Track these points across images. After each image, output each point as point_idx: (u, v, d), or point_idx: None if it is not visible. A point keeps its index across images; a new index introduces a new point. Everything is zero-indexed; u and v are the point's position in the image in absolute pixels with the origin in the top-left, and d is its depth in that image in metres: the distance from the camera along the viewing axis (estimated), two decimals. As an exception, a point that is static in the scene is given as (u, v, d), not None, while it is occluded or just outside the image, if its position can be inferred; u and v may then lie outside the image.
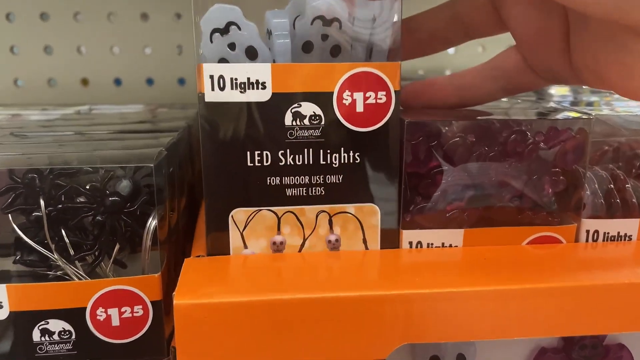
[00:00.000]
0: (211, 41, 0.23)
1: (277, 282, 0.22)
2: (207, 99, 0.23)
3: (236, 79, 0.23)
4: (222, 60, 0.23)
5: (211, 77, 0.23)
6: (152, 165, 0.23)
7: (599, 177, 0.27)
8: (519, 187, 0.25)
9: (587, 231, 0.26)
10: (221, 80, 0.23)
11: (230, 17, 0.23)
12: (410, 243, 0.25)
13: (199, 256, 0.24)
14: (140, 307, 0.23)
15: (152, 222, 0.23)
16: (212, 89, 0.23)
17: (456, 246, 0.25)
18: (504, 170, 0.25)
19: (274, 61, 0.23)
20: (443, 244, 0.25)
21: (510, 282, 0.22)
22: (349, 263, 0.24)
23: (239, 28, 0.23)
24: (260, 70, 0.23)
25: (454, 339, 0.23)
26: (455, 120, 0.25)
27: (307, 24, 0.23)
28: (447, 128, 0.25)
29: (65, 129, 0.31)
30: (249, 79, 0.23)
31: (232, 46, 0.23)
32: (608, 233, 0.26)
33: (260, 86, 0.23)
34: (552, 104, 0.32)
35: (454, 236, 0.25)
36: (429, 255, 0.25)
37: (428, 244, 0.25)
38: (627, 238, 0.26)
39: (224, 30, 0.23)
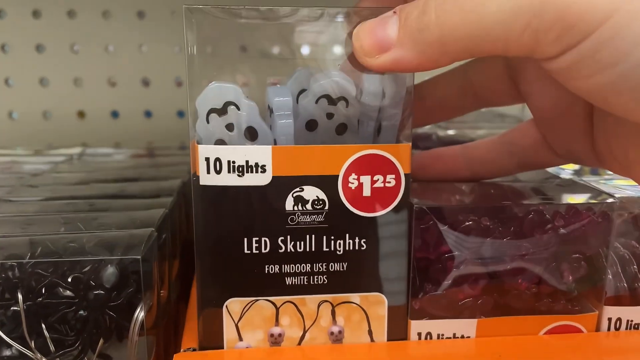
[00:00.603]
0: (207, 122, 0.21)
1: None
2: (202, 182, 0.21)
3: (234, 162, 0.21)
4: (219, 141, 0.21)
5: (207, 159, 0.21)
6: (139, 257, 0.21)
7: (620, 258, 0.25)
8: (536, 273, 0.24)
9: (610, 319, 0.24)
10: (218, 162, 0.21)
11: (229, 96, 0.21)
12: (420, 334, 0.23)
13: (189, 349, 0.22)
14: (126, 405, 0.22)
15: (139, 314, 0.22)
16: (208, 172, 0.21)
17: (469, 337, 0.24)
18: (520, 255, 0.23)
19: (274, 142, 0.22)
20: (454, 334, 0.24)
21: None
22: (353, 358, 0.22)
23: (238, 108, 0.21)
24: (260, 153, 0.21)
25: None
26: (468, 204, 0.23)
27: (311, 102, 0.22)
28: (459, 212, 0.23)
29: (52, 189, 0.30)
30: (247, 161, 0.21)
31: (230, 127, 0.21)
32: (632, 321, 0.24)
33: (259, 169, 0.21)
34: (567, 175, 0.30)
35: (467, 326, 0.23)
36: (439, 348, 0.23)
37: (438, 334, 0.23)
38: (652, 326, 0.24)
39: (222, 111, 0.21)
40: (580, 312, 0.24)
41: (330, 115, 0.22)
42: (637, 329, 0.24)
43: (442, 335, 0.23)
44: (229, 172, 0.21)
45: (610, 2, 0.14)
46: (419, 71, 0.18)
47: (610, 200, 0.23)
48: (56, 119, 0.52)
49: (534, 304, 0.24)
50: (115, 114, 0.54)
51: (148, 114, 0.54)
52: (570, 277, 0.24)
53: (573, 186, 0.26)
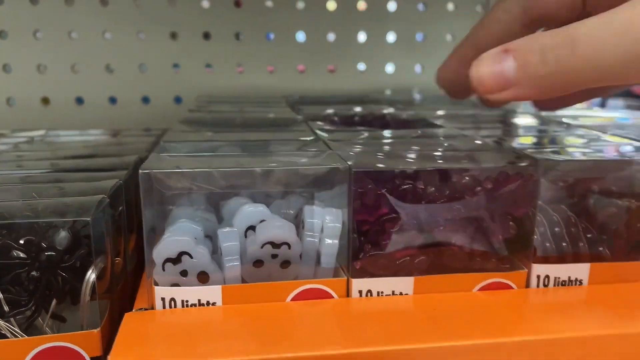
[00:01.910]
0: (163, 270, 0.23)
1: (222, 339, 0.22)
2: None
3: (187, 301, 0.23)
4: (175, 285, 0.24)
5: (162, 299, 0.23)
6: (89, 219, 0.22)
7: (549, 220, 0.27)
8: (468, 233, 0.25)
9: (538, 276, 0.26)
10: (172, 302, 0.23)
11: (182, 247, 0.23)
12: (360, 292, 0.25)
13: (140, 309, 0.24)
14: (80, 363, 0.23)
15: (90, 276, 0.23)
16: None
17: (407, 294, 0.25)
18: (453, 217, 0.25)
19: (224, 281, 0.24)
20: (393, 292, 0.25)
21: (461, 337, 0.22)
22: (298, 314, 0.23)
23: (191, 257, 0.23)
24: (211, 293, 0.23)
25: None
26: (403, 168, 0.24)
27: (257, 248, 0.24)
28: (396, 175, 0.24)
29: (11, 165, 0.30)
30: (199, 300, 0.23)
31: (184, 273, 0.24)
32: (559, 278, 0.26)
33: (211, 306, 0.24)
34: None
35: (405, 284, 0.25)
36: (379, 304, 0.24)
37: (378, 292, 0.25)
38: (577, 283, 0.26)
39: (176, 260, 0.23)
40: (510, 270, 0.26)
41: (274, 256, 0.24)
42: (564, 285, 0.26)
43: (382, 292, 0.25)
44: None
45: None
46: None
47: (535, 163, 0.25)
48: (20, 105, 0.53)
49: (467, 262, 0.25)
50: (79, 101, 0.54)
51: (112, 100, 0.55)
52: (501, 237, 0.25)
53: (503, 150, 0.28)
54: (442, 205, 0.25)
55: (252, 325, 0.23)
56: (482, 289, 0.26)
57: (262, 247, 0.24)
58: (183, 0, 0.53)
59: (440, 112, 0.43)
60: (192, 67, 0.55)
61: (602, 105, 0.62)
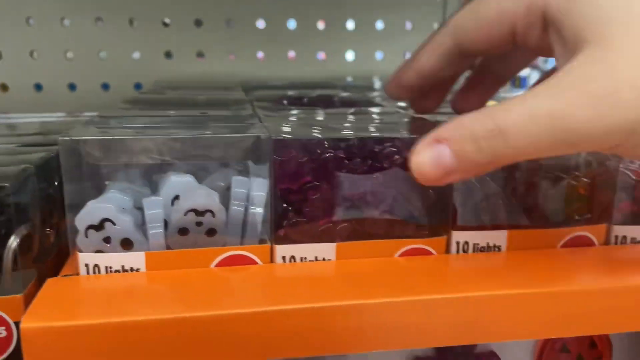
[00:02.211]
0: (86, 236, 0.24)
1: (144, 302, 0.22)
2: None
3: (111, 267, 0.24)
4: (99, 252, 0.24)
5: (86, 265, 0.24)
6: (7, 184, 0.23)
7: (469, 189, 0.27)
8: (389, 200, 0.26)
9: (458, 242, 0.27)
10: (96, 268, 0.24)
11: (104, 214, 0.24)
12: (284, 258, 0.26)
13: (66, 275, 0.24)
14: (4, 328, 0.23)
15: (12, 242, 0.23)
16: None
17: (329, 259, 0.26)
18: (375, 185, 0.26)
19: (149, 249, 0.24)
20: (316, 257, 0.26)
21: (379, 295, 0.23)
22: (224, 281, 0.24)
23: (114, 223, 0.24)
24: (135, 259, 0.24)
25: (318, 352, 0.23)
26: (324, 137, 0.25)
27: (181, 215, 0.24)
28: (316, 144, 0.25)
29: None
30: (123, 266, 0.24)
31: (107, 240, 0.24)
32: (478, 244, 0.27)
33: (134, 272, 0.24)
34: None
35: (327, 250, 0.26)
36: (302, 270, 0.25)
37: (301, 257, 0.26)
38: (496, 249, 0.27)
39: (99, 227, 0.24)
40: (430, 236, 0.27)
41: (199, 224, 0.25)
42: (483, 251, 0.27)
43: (305, 258, 0.26)
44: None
45: None
46: None
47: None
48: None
49: (388, 229, 0.26)
50: (38, 87, 0.54)
51: (72, 87, 0.55)
52: (420, 204, 0.26)
53: (428, 123, 0.29)
54: (363, 173, 0.26)
55: (175, 290, 0.23)
56: (402, 254, 0.26)
57: (185, 214, 0.25)
58: (140, -14, 0.53)
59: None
60: (151, 54, 0.55)
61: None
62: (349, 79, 0.61)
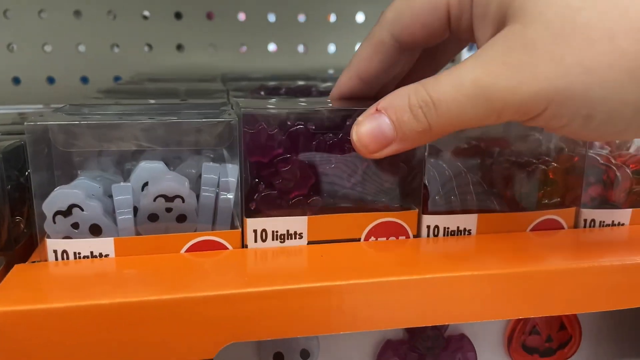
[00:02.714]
0: (54, 222, 0.24)
1: (112, 286, 0.22)
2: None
3: (79, 253, 0.24)
4: (67, 237, 0.24)
5: (55, 251, 0.24)
6: (-29, 171, 0.22)
7: (440, 173, 0.28)
8: (360, 174, 0.26)
9: (428, 227, 0.27)
10: (65, 254, 0.24)
11: (72, 199, 0.24)
12: (255, 231, 0.26)
13: (34, 261, 0.24)
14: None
15: (-22, 229, 0.23)
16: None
17: (301, 233, 0.26)
18: (345, 158, 0.26)
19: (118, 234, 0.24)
20: (288, 231, 0.26)
21: (349, 277, 0.23)
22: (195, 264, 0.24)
23: (82, 209, 0.24)
24: (104, 245, 0.24)
25: (287, 335, 0.23)
26: (293, 109, 0.25)
27: (150, 201, 0.24)
28: (286, 117, 0.25)
29: None
30: (92, 252, 0.24)
31: (75, 225, 0.24)
32: (448, 228, 0.27)
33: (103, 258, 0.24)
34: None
35: (299, 223, 0.26)
36: (272, 254, 0.25)
37: (273, 231, 0.26)
38: (466, 232, 0.28)
39: (67, 212, 0.24)
40: (401, 210, 0.27)
41: (169, 210, 0.25)
42: (454, 235, 0.28)
43: (277, 232, 0.26)
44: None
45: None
46: None
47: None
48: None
49: (359, 202, 0.26)
50: (16, 80, 0.54)
51: (50, 80, 0.55)
52: (391, 177, 0.26)
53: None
54: (333, 146, 0.26)
55: (144, 274, 0.23)
56: (374, 227, 0.26)
57: (154, 200, 0.25)
58: (118, -21, 0.53)
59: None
60: (131, 47, 0.55)
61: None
62: (331, 71, 0.61)
